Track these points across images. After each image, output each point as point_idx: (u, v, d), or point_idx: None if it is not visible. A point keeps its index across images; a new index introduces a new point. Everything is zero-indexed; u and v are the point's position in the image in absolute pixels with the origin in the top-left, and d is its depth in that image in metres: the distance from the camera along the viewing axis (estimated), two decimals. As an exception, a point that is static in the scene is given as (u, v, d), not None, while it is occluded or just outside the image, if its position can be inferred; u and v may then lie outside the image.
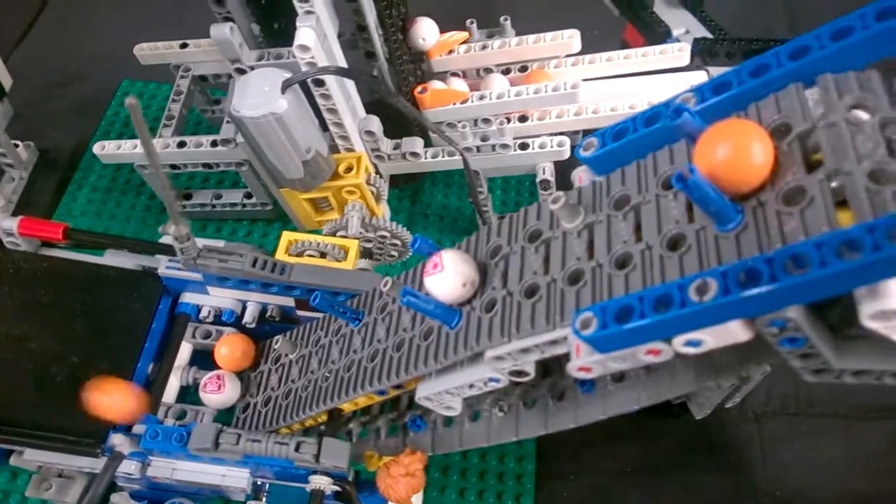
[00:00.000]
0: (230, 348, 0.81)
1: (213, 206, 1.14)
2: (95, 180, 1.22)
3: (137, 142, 1.00)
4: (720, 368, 0.56)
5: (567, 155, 0.97)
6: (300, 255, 0.86)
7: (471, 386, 0.59)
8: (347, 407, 0.73)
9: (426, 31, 1.00)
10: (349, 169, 0.96)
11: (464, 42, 1.05)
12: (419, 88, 1.00)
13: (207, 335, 0.84)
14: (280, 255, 0.86)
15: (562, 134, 0.98)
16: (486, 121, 1.00)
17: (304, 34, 0.82)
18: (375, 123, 0.98)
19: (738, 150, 0.42)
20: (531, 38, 1.02)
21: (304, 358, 0.76)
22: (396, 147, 1.02)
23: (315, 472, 0.70)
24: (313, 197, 0.99)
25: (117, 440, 0.72)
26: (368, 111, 1.00)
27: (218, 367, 0.82)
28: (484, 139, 0.99)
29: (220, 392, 0.79)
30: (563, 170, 0.90)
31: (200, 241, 0.78)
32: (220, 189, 1.16)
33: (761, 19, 1.37)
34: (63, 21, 1.47)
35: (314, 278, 0.77)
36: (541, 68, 1.04)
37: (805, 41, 0.45)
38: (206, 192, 1.15)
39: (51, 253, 0.86)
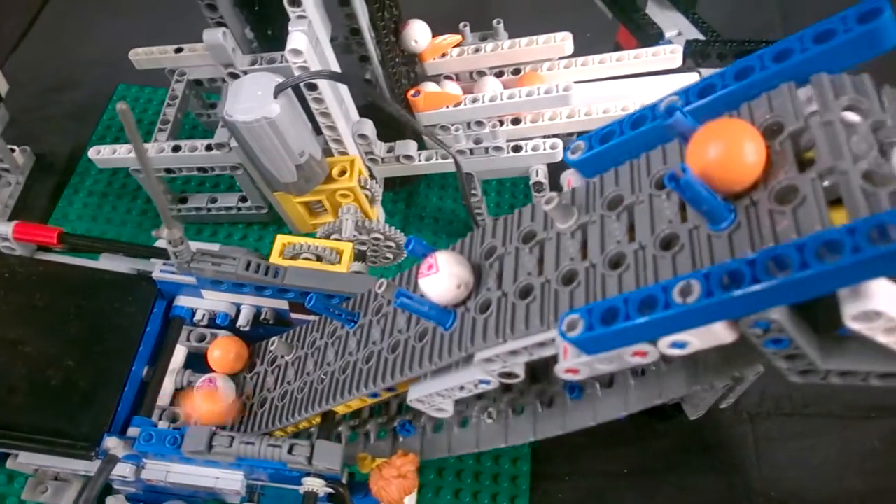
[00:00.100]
0: (223, 351, 0.81)
1: (209, 209, 1.14)
2: (91, 185, 1.23)
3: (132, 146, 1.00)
4: (708, 372, 0.56)
5: (560, 157, 0.98)
6: (294, 258, 0.86)
7: (461, 388, 0.59)
8: (341, 409, 0.73)
9: (418, 34, 1.01)
10: (343, 172, 0.96)
11: (457, 45, 1.05)
12: (412, 91, 1.01)
13: (202, 338, 0.84)
14: (274, 258, 0.86)
15: (555, 136, 0.99)
16: (480, 123, 1.01)
17: (297, 38, 0.82)
18: (369, 127, 0.98)
19: (731, 150, 0.42)
20: (524, 40, 1.02)
21: (300, 360, 0.77)
22: (390, 150, 1.02)
23: (308, 475, 0.70)
24: (307, 200, 0.99)
25: (111, 443, 0.72)
26: (362, 114, 1.00)
27: (211, 370, 0.82)
28: (477, 142, 0.99)
29: (214, 395, 0.79)
30: (557, 172, 0.89)
31: (196, 245, 0.79)
32: (215, 193, 1.16)
33: (755, 20, 1.38)
34: (58, 27, 1.47)
35: (308, 281, 0.77)
36: (534, 71, 1.04)
37: (788, 44, 0.45)
38: (201, 195, 1.16)
39: (46, 257, 0.87)
